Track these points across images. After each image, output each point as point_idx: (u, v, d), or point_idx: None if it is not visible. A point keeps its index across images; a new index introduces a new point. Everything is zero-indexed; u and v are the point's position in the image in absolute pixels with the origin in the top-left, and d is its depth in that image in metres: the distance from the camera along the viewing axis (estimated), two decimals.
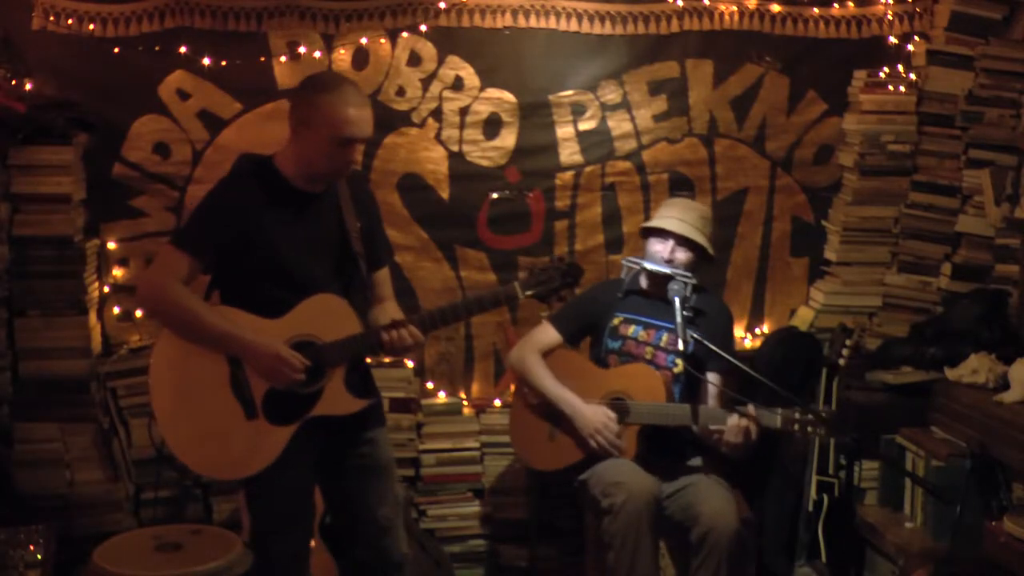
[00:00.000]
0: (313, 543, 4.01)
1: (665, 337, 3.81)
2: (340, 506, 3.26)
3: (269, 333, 2.98)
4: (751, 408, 3.56)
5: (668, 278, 3.72)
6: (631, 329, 3.86)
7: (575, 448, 3.78)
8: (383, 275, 3.27)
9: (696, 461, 3.80)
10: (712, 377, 3.77)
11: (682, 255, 3.80)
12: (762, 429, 3.58)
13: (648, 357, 3.82)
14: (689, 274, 3.75)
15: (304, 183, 3.05)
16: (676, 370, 3.79)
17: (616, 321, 3.88)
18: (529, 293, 3.18)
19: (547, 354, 3.90)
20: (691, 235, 3.80)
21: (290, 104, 3.08)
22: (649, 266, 3.79)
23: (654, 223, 3.86)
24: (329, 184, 3.09)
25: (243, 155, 4.24)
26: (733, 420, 3.55)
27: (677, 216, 3.83)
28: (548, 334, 3.93)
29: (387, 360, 4.34)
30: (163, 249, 3.08)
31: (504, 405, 4.45)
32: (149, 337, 4.27)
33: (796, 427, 3.53)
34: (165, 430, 3.05)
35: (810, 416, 3.53)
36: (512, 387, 4.33)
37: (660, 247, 3.82)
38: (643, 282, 3.89)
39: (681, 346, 3.56)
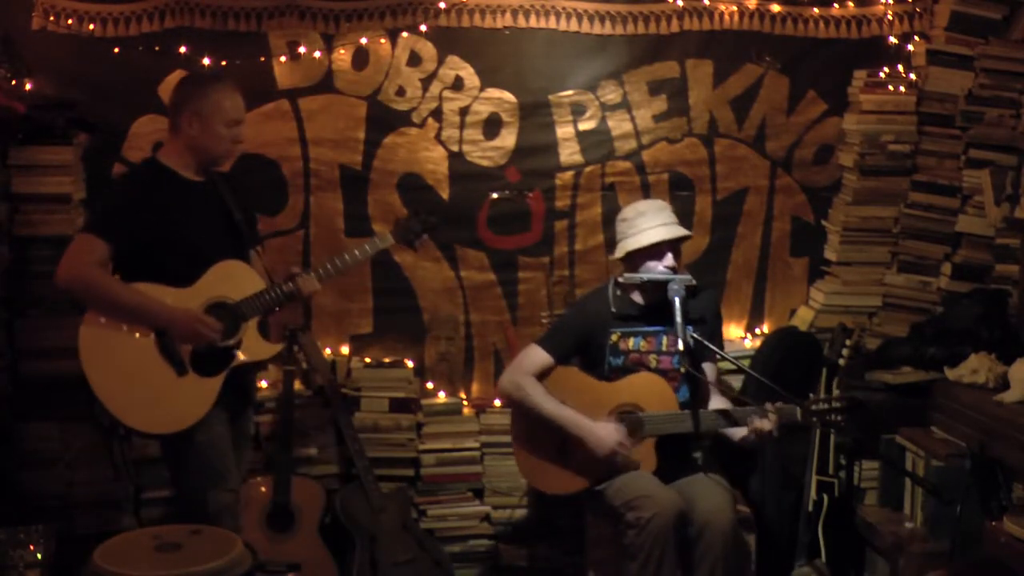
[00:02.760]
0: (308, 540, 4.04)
1: (665, 340, 3.76)
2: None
3: (185, 300, 3.34)
4: (771, 408, 3.53)
5: (663, 286, 3.66)
6: (631, 342, 3.77)
7: (590, 468, 3.68)
8: (260, 252, 3.65)
9: (697, 455, 3.78)
10: (708, 367, 3.78)
11: (676, 257, 3.76)
12: (783, 426, 3.56)
13: (653, 365, 3.77)
14: (690, 276, 3.73)
15: (192, 173, 3.44)
16: (683, 370, 3.74)
17: (614, 338, 3.77)
18: (397, 241, 3.73)
19: (541, 377, 3.76)
20: (685, 232, 3.76)
21: (174, 105, 3.44)
22: (662, 278, 3.66)
23: (651, 240, 3.68)
24: (208, 174, 3.47)
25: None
26: (755, 424, 3.53)
27: (661, 222, 3.72)
28: (539, 356, 3.77)
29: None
30: (79, 236, 3.37)
31: (504, 405, 4.44)
32: None
33: (815, 419, 3.52)
34: (106, 400, 3.32)
35: (825, 404, 3.52)
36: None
37: (660, 260, 3.70)
38: (639, 299, 3.78)
39: (681, 346, 3.54)
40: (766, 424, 3.52)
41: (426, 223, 3.76)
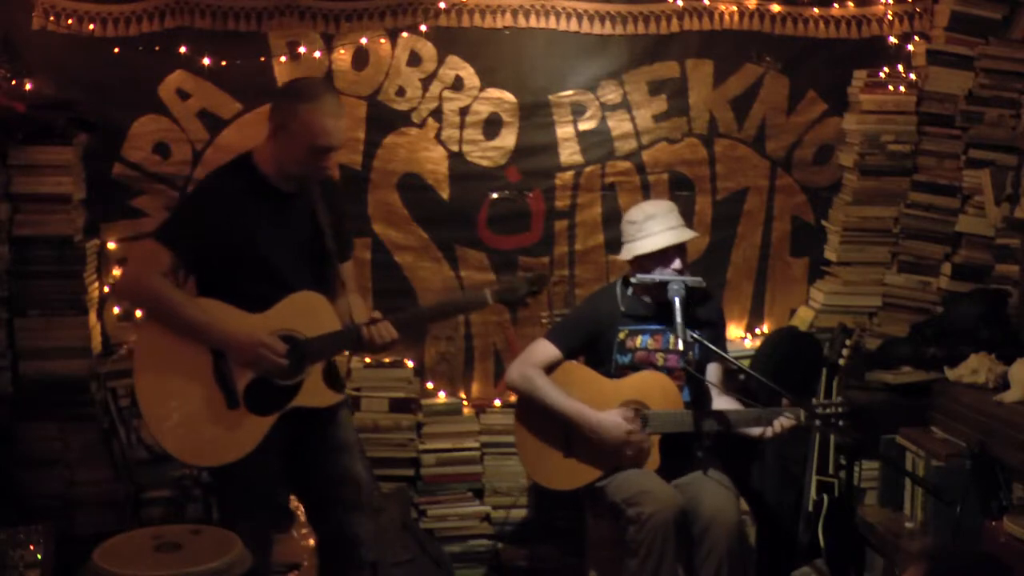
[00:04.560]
0: (312, 542, 4.04)
1: (672, 339, 3.75)
2: (305, 486, 3.35)
3: (253, 326, 3.08)
4: (783, 418, 3.55)
5: (666, 284, 3.67)
6: (639, 340, 3.78)
7: (596, 463, 3.68)
8: (348, 268, 3.36)
9: (699, 453, 3.78)
10: (712, 368, 3.80)
11: (683, 257, 3.78)
12: (785, 429, 3.59)
13: (660, 363, 3.77)
14: (700, 279, 3.75)
15: (280, 182, 3.15)
16: (687, 369, 3.74)
17: (622, 335, 3.78)
18: (496, 300, 3.32)
19: (548, 370, 3.76)
20: (693, 235, 3.78)
21: (271, 107, 3.17)
22: (673, 278, 3.66)
23: (658, 245, 3.70)
24: (303, 183, 3.18)
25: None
26: (780, 421, 3.55)
27: (668, 226, 3.73)
28: (547, 350, 3.78)
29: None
30: (146, 242, 3.18)
31: (504, 405, 4.44)
32: None
33: (818, 422, 3.53)
34: (148, 416, 3.10)
35: (828, 409, 3.53)
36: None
37: (668, 265, 3.72)
38: (647, 298, 3.80)
39: (681, 346, 3.54)
40: (788, 421, 3.55)
41: (534, 283, 3.36)
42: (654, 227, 3.74)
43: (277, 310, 3.11)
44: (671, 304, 3.60)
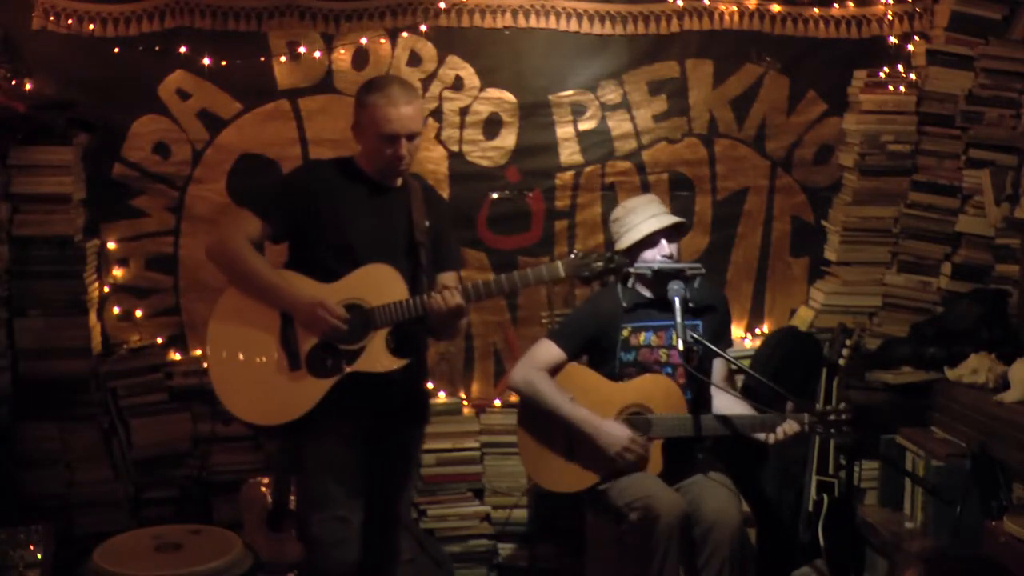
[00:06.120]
0: None
1: (675, 336, 3.75)
2: (369, 495, 3.35)
3: (321, 295, 3.15)
4: (787, 424, 3.55)
5: (669, 278, 3.69)
6: (642, 337, 3.77)
7: (598, 467, 3.66)
8: (449, 278, 3.35)
9: (700, 455, 3.78)
10: (717, 363, 3.79)
11: (676, 244, 3.79)
12: (789, 436, 3.58)
13: (663, 360, 3.76)
14: (699, 265, 3.75)
15: (376, 175, 3.24)
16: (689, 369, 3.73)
17: (625, 333, 3.77)
18: (570, 273, 3.27)
19: (553, 372, 3.74)
20: (676, 219, 3.77)
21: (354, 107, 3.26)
22: (669, 267, 3.68)
23: (643, 233, 3.72)
24: (404, 180, 3.28)
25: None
26: (785, 427, 3.55)
27: (651, 214, 3.75)
28: (551, 351, 3.76)
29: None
30: (236, 209, 3.32)
31: (504, 405, 4.44)
32: (149, 337, 4.29)
33: (820, 428, 3.53)
34: (214, 372, 3.20)
35: (832, 417, 3.52)
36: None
37: (657, 249, 3.74)
38: (647, 292, 3.81)
39: (681, 346, 3.54)
40: (792, 428, 3.54)
41: (611, 262, 3.25)
42: (636, 219, 3.76)
43: (347, 280, 3.18)
44: (671, 304, 3.60)
